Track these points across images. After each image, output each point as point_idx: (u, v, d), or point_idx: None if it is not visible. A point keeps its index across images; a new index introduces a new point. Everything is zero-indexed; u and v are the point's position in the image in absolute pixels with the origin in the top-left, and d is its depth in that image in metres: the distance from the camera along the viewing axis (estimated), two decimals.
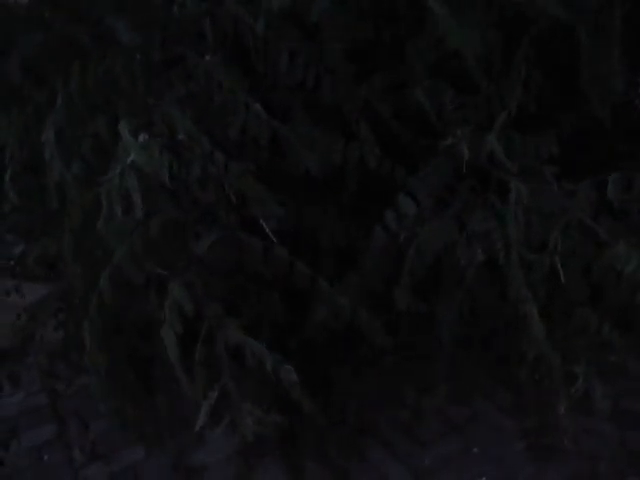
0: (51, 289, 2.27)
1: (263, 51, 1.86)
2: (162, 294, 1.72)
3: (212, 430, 2.38)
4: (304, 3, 1.70)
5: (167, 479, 2.30)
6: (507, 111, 1.70)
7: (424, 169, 1.78)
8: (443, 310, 1.83)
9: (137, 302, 1.89)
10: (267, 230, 1.77)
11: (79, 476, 2.32)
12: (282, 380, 1.69)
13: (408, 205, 1.74)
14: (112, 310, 1.85)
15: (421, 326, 1.88)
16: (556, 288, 1.69)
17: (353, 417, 2.35)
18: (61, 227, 1.84)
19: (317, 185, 1.89)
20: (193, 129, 1.67)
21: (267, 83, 1.89)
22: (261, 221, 1.78)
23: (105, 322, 1.83)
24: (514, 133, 1.73)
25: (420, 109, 1.78)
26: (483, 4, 1.67)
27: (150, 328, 2.03)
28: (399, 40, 1.82)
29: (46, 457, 2.39)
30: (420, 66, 1.78)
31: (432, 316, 1.83)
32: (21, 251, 2.31)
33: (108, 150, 1.69)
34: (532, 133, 1.76)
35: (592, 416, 2.41)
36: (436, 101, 1.77)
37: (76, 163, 1.74)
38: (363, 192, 1.90)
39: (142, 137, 1.63)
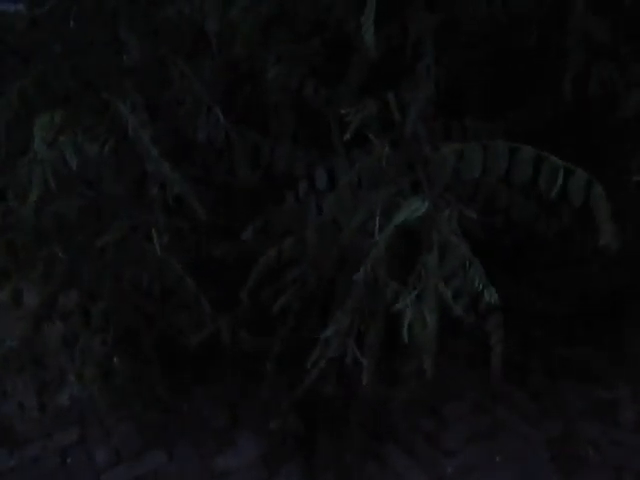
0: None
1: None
2: None
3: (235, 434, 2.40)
4: None
5: None
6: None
7: None
8: None
9: None
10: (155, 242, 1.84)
11: (102, 479, 2.32)
12: None
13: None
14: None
15: None
16: None
17: (375, 424, 2.35)
18: None
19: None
20: (139, 129, 1.72)
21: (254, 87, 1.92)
22: None
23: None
24: None
25: None
26: None
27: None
28: None
29: (69, 460, 2.39)
30: None
31: None
32: None
33: None
34: None
35: (617, 427, 2.41)
36: None
37: None
38: None
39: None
